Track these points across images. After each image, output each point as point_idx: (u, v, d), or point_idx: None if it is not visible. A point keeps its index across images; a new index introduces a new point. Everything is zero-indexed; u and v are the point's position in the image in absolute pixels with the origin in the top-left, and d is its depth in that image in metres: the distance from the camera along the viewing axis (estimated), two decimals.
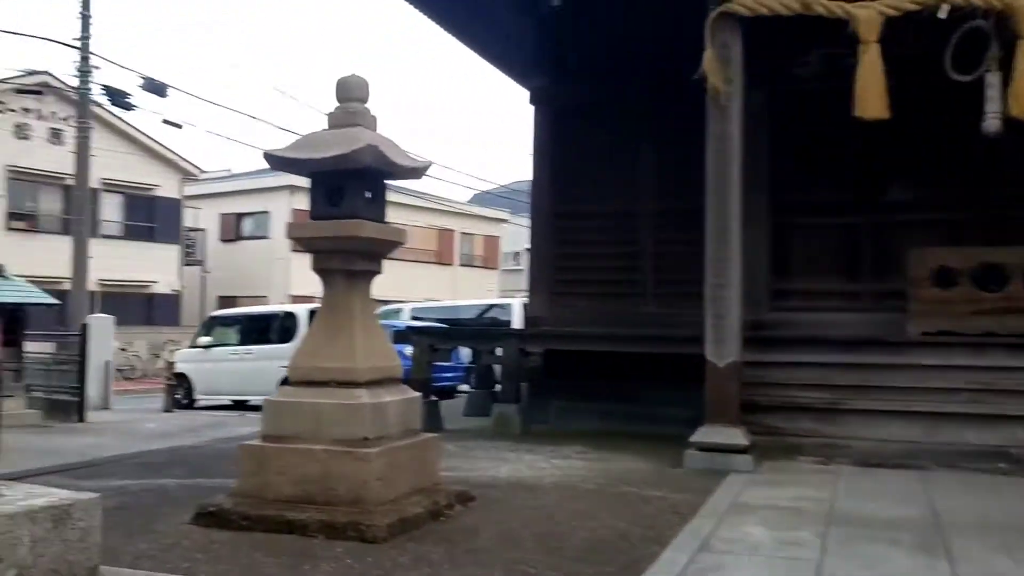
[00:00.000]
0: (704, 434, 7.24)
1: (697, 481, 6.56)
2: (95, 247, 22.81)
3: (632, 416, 9.10)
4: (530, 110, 10.92)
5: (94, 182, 23.97)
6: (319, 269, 5.33)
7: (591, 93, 10.39)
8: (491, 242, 39.08)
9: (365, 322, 5.31)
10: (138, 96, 18.77)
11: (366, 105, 5.40)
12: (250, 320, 16.79)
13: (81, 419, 12.80)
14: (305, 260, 5.61)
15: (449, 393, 15.63)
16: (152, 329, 26.17)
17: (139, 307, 26.90)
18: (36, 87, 22.05)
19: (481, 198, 42.37)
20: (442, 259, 36.18)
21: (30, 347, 13.59)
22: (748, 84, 7.63)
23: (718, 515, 5.40)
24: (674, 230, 9.68)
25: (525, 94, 11.06)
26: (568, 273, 10.43)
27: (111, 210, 27.14)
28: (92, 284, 22.28)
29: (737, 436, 7.19)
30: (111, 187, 26.60)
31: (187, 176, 29.26)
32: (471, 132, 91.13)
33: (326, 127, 5.32)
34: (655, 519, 5.35)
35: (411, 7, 9.75)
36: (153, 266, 27.60)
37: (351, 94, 5.34)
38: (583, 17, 10.03)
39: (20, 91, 21.52)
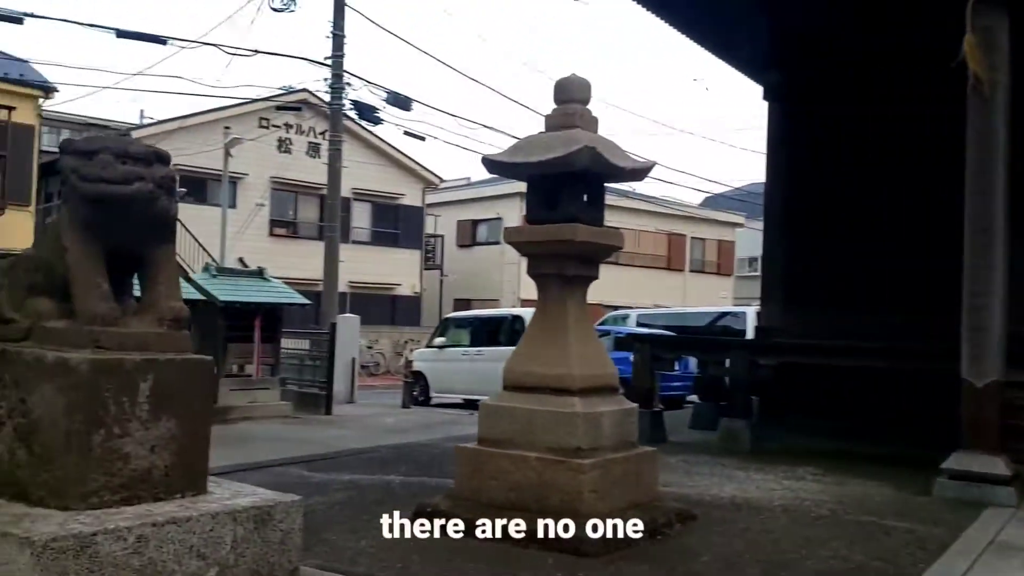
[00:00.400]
0: (958, 460, 6.50)
1: (948, 513, 5.89)
2: (346, 251, 24.40)
3: (875, 436, 8.35)
4: (764, 106, 10.39)
5: (346, 192, 25.68)
6: (534, 274, 5.27)
7: (833, 86, 9.69)
8: (725, 247, 37.86)
9: (580, 328, 5.19)
10: (384, 110, 19.84)
11: (587, 106, 5.28)
12: (481, 322, 17.27)
13: (328, 412, 13.63)
14: None
15: (677, 403, 15.22)
16: (395, 328, 27.68)
17: (384, 307, 28.52)
18: (295, 104, 23.94)
19: (714, 201, 41.21)
20: (672, 264, 35.48)
21: (286, 343, 14.70)
22: (1016, 73, 6.75)
23: (973, 554, 4.79)
24: (927, 233, 8.79)
25: (759, 90, 10.53)
26: (805, 280, 9.77)
27: (360, 217, 28.97)
28: (343, 286, 23.87)
29: (998, 465, 6.39)
30: (361, 196, 28.43)
31: (429, 185, 30.71)
32: (704, 132, 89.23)
33: (543, 130, 5.26)
34: (897, 553, 4.84)
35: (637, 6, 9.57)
36: (397, 270, 29.18)
37: (570, 95, 5.23)
38: (824, 4, 9.38)
39: (280, 108, 23.43)
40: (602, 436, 5.01)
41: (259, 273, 14.30)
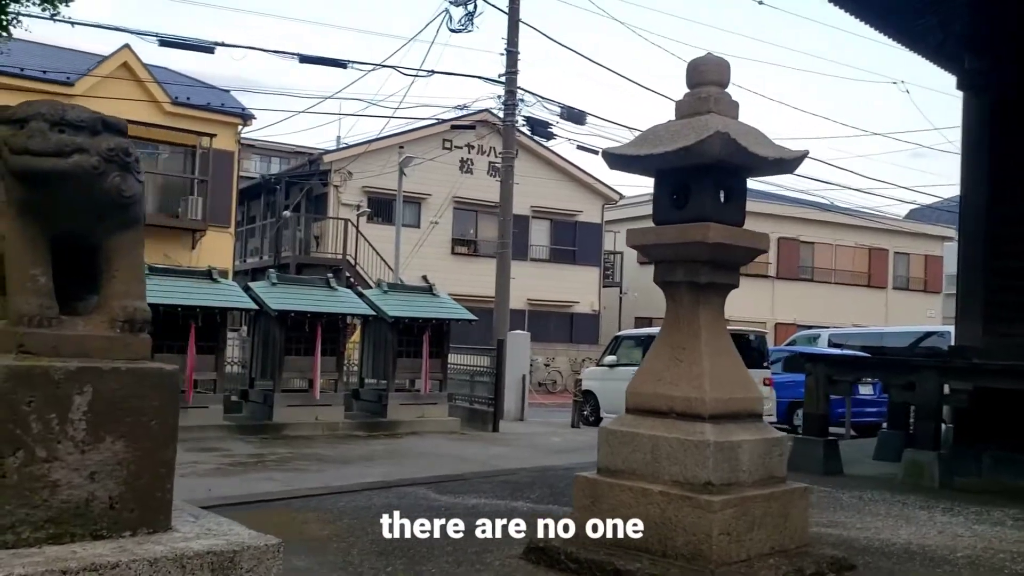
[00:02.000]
0: None
1: None
2: (525, 268, 24.29)
3: None
4: (959, 100, 9.15)
5: (525, 209, 25.69)
6: (661, 281, 4.66)
7: None
8: (932, 262, 34.87)
9: (714, 344, 4.52)
10: (558, 124, 19.56)
11: (724, 89, 4.62)
12: (652, 341, 16.51)
13: (495, 429, 13.42)
14: None
15: (872, 431, 13.95)
16: (572, 346, 27.34)
17: (562, 325, 28.27)
18: (471, 124, 24.11)
19: (921, 213, 38.12)
20: (873, 281, 33.03)
21: (459, 360, 14.67)
22: None
23: None
24: None
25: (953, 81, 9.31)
26: (1008, 294, 8.46)
27: (539, 235, 28.93)
28: (521, 302, 23.75)
29: None
30: (539, 214, 28.39)
31: (608, 202, 30.25)
32: (905, 139, 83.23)
33: (673, 118, 4.64)
34: None
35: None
36: (574, 287, 28.85)
37: (704, 78, 4.60)
38: None
39: (455, 127, 23.67)
40: (739, 469, 4.32)
41: (429, 289, 14.36)
